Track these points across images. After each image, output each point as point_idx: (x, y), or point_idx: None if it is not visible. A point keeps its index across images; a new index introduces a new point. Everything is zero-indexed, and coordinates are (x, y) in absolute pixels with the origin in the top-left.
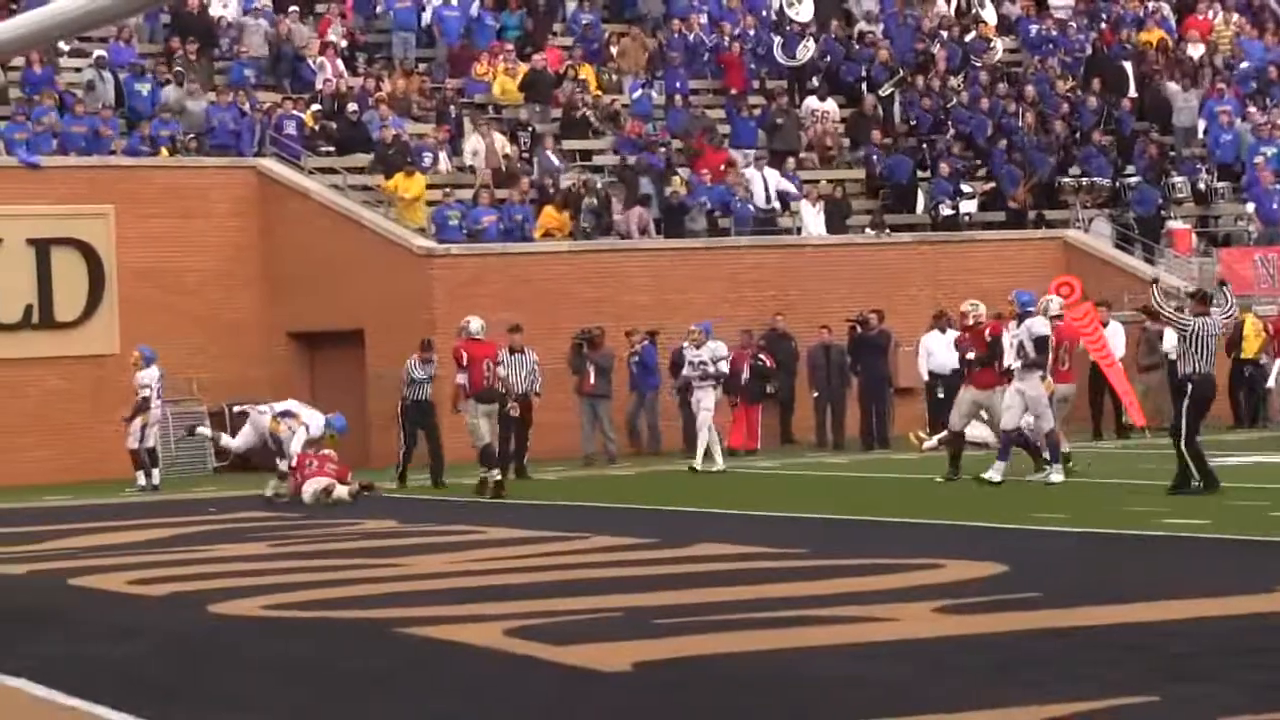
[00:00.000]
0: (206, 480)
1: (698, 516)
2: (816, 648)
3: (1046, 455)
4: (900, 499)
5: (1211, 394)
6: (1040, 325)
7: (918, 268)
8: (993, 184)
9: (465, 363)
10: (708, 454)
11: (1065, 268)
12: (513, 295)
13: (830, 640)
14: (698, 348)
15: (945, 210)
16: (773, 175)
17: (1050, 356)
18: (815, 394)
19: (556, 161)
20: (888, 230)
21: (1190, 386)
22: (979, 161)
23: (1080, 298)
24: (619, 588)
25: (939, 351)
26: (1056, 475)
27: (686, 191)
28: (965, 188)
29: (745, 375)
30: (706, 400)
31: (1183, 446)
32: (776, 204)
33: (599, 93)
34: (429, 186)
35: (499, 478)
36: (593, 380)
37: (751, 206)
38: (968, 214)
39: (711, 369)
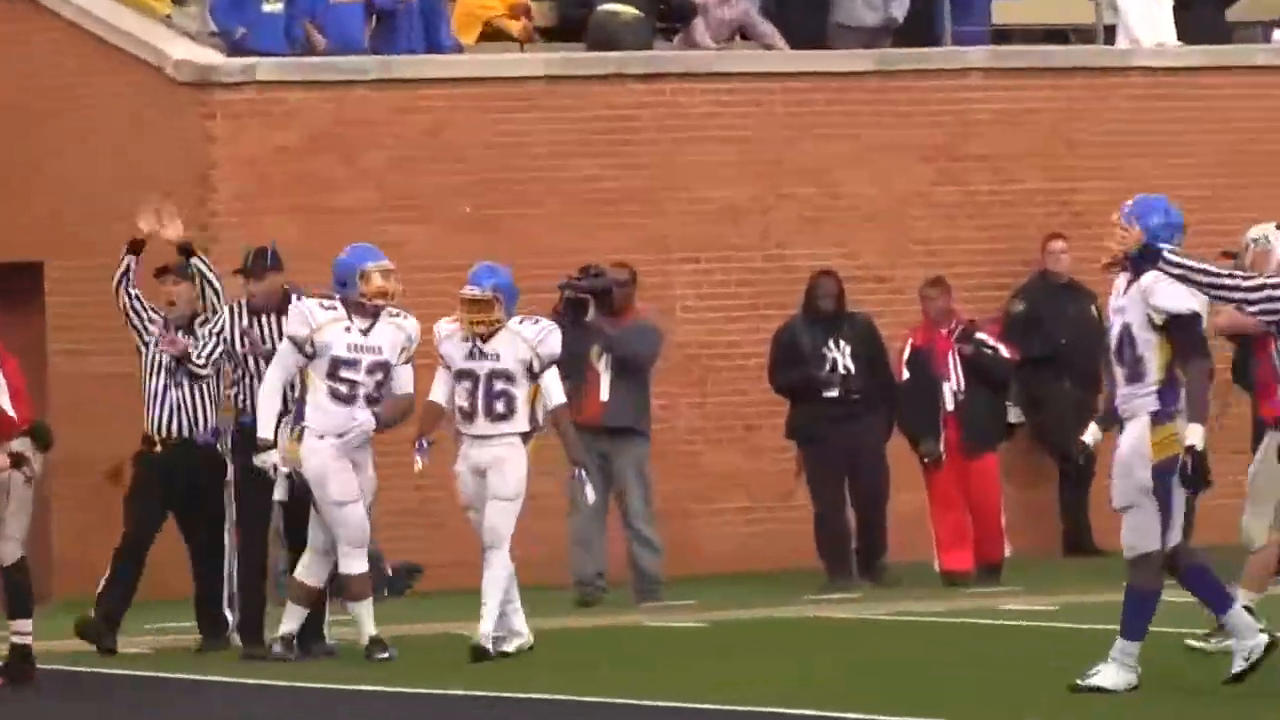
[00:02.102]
0: None
1: None
2: None
3: None
4: None
5: None
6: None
7: None
8: None
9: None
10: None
11: None
12: (400, 179)
13: None
14: (484, 340)
15: None
16: None
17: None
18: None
19: None
20: None
21: None
22: None
23: None
24: None
25: None
26: None
27: None
28: None
29: (955, 388)
30: (505, 480)
31: None
32: None
33: None
34: None
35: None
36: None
37: None
38: None
39: (519, 374)
